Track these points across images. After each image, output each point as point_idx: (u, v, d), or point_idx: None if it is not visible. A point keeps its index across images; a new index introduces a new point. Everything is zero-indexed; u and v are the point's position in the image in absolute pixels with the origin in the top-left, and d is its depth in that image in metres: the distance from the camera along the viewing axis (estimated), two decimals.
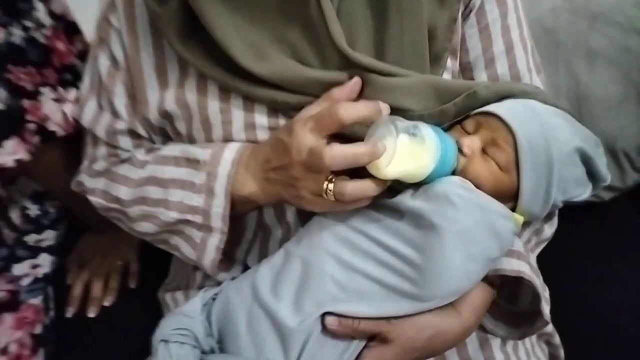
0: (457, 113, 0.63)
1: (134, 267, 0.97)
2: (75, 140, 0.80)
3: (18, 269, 0.90)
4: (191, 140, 0.67)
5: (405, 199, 0.60)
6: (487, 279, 0.64)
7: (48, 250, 0.95)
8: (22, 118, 0.74)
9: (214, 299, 0.67)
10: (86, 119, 0.73)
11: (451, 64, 0.68)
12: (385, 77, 0.60)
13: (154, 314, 0.80)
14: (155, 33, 0.66)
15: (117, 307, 0.93)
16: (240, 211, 0.66)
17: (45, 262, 0.93)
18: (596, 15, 1.11)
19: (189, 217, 0.64)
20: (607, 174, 0.66)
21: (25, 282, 0.89)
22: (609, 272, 1.02)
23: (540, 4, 1.18)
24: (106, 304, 0.92)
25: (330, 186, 0.56)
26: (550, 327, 0.72)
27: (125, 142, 0.72)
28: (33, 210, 0.95)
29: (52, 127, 0.76)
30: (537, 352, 0.75)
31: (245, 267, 0.73)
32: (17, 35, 0.71)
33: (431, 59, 0.64)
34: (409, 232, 0.59)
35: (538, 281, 0.65)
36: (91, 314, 0.91)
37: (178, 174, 0.66)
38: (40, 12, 0.73)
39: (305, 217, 0.66)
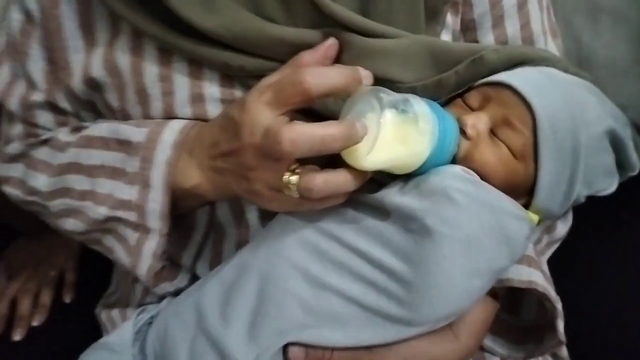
0: (458, 84, 0.56)
1: (69, 277, 0.89)
2: None
3: None
4: (125, 116, 0.60)
5: (392, 195, 0.51)
6: (491, 290, 0.56)
7: None
8: None
9: (150, 323, 0.59)
10: None
11: (452, 21, 0.61)
12: (368, 38, 0.53)
13: (92, 335, 0.72)
14: None
15: (49, 327, 0.85)
16: (184, 207, 0.59)
17: None
18: None
19: (121, 213, 0.57)
20: (637, 161, 0.59)
21: None
22: (610, 268, 0.95)
23: None
24: (35, 323, 0.84)
25: (293, 179, 0.48)
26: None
27: (44, 118, 0.64)
28: None
29: None
30: None
31: (194, 277, 0.65)
32: None
33: (427, 14, 0.57)
34: (397, 238, 0.50)
35: (553, 292, 0.57)
36: (17, 336, 0.82)
37: (107, 160, 0.59)
38: None
39: (270, 214, 0.59)
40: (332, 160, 0.49)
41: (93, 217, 0.58)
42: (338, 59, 0.53)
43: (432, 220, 0.47)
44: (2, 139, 0.67)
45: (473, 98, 0.55)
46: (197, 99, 0.57)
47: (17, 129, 0.65)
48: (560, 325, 0.58)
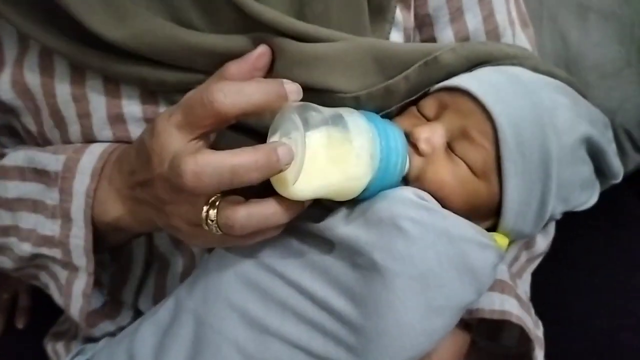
0: (410, 90, 0.52)
1: (23, 301, 0.85)
2: None
3: None
4: (45, 141, 0.57)
5: (337, 224, 0.47)
6: (462, 322, 0.53)
7: None
8: None
9: None
10: None
11: (402, 17, 0.57)
12: (304, 43, 0.49)
13: None
14: None
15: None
16: (113, 241, 0.56)
17: None
18: None
19: (45, 251, 0.54)
20: (619, 167, 0.56)
21: None
22: (604, 273, 0.92)
23: None
24: None
25: (212, 213, 0.43)
26: None
27: None
28: None
29: None
30: None
31: (138, 313, 0.62)
32: None
33: (372, 9, 0.53)
34: (344, 275, 0.46)
35: (530, 320, 0.55)
36: None
37: (26, 192, 0.56)
38: None
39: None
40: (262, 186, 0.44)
41: (19, 255, 0.55)
42: (271, 69, 0.49)
43: (380, 255, 0.43)
44: None
45: (428, 106, 0.51)
46: (117, 119, 0.54)
47: None
48: (540, 354, 0.55)
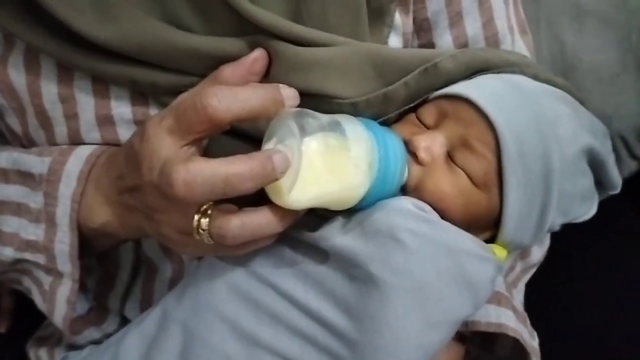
0: (409, 97, 0.51)
1: (5, 303, 0.81)
2: None
3: None
4: (30, 142, 0.57)
5: (332, 234, 0.46)
6: (457, 333, 0.53)
7: None
8: None
9: None
10: None
11: (402, 21, 0.56)
12: (302, 47, 0.48)
13: None
14: None
15: None
16: (99, 247, 0.55)
17: None
18: None
19: (28, 256, 0.53)
20: (618, 179, 0.56)
21: None
22: (598, 280, 0.92)
23: None
24: None
25: (204, 222, 0.42)
26: None
27: None
28: None
29: None
30: None
31: (124, 321, 0.61)
32: None
33: (371, 13, 0.53)
34: (339, 287, 0.45)
35: (526, 331, 0.55)
36: None
37: (9, 194, 0.55)
38: None
39: None
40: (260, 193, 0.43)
41: (0, 259, 0.54)
42: (267, 73, 0.48)
43: (378, 267, 0.42)
44: None
45: (428, 113, 0.50)
46: (105, 121, 0.53)
47: None
48: None
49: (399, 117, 0.53)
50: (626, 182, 0.99)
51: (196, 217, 0.42)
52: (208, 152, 0.45)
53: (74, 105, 0.53)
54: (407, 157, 0.47)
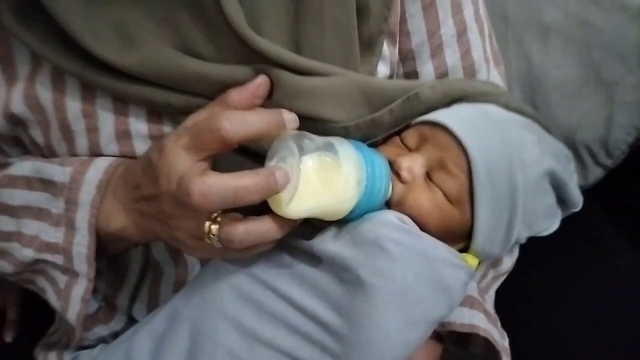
0: (394, 122, 0.55)
1: (12, 314, 0.86)
2: None
3: None
4: (51, 152, 0.59)
5: (326, 241, 0.50)
6: (435, 333, 0.57)
7: None
8: None
9: None
10: None
11: (389, 51, 0.60)
12: (300, 76, 0.52)
13: None
14: None
15: None
16: (114, 250, 0.58)
17: None
18: None
19: (47, 256, 0.56)
20: (579, 198, 0.59)
21: None
22: (568, 282, 0.96)
23: None
24: None
25: (214, 228, 0.46)
26: None
27: None
28: None
29: None
30: None
31: (131, 320, 0.64)
32: None
33: (362, 44, 0.57)
34: (331, 289, 0.49)
35: (497, 332, 0.58)
36: None
37: (31, 200, 0.57)
38: None
39: None
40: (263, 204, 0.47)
41: (20, 260, 0.57)
42: (269, 97, 0.52)
43: (365, 272, 0.46)
44: None
45: (410, 137, 0.54)
46: (123, 135, 0.56)
47: None
48: None
49: (385, 140, 0.56)
50: (592, 187, 1.05)
51: (207, 223, 0.46)
52: (218, 166, 0.49)
53: (95, 120, 0.56)
54: (391, 176, 0.50)
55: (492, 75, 0.65)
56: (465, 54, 0.62)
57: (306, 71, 0.52)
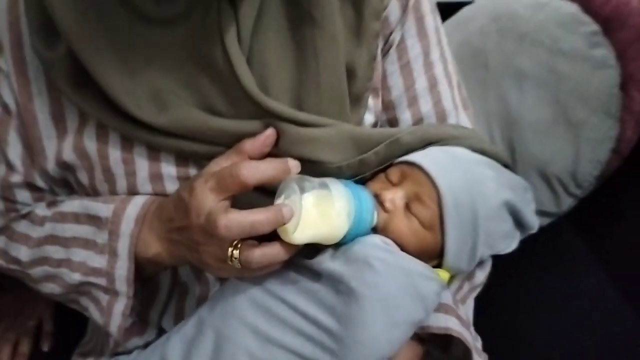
0: (379, 162, 0.62)
1: (47, 326, 0.91)
2: None
3: None
4: (94, 191, 0.64)
5: (324, 260, 0.57)
6: (416, 336, 0.63)
7: None
8: None
9: None
10: None
11: (373, 103, 0.66)
12: (301, 127, 0.58)
13: None
14: (49, 76, 0.61)
15: None
16: (149, 272, 0.63)
17: None
18: (523, 36, 1.12)
19: (93, 279, 0.61)
20: (535, 222, 0.65)
21: None
22: (544, 296, 1.05)
23: (468, 25, 1.20)
24: None
25: (235, 253, 0.53)
26: None
27: (23, 196, 0.67)
28: None
29: None
30: None
31: (161, 330, 0.69)
32: None
33: (351, 99, 0.62)
34: (329, 298, 0.56)
35: (468, 334, 0.64)
36: None
37: (79, 232, 0.62)
38: None
39: None
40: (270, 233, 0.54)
41: (69, 282, 0.62)
42: (276, 145, 0.58)
43: (356, 283, 0.53)
44: None
45: (393, 174, 0.61)
46: (156, 177, 0.61)
47: None
48: (477, 358, 0.64)
49: (372, 176, 0.62)
50: (566, 215, 1.10)
51: (230, 249, 0.53)
52: (237, 200, 0.55)
53: (133, 165, 0.61)
54: (376, 206, 0.58)
55: (461, 118, 0.70)
56: (437, 103, 0.68)
57: (306, 123, 0.58)
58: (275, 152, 0.58)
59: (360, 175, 0.61)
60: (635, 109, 1.06)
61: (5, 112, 0.64)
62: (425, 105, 0.68)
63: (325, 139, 0.59)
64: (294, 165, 0.55)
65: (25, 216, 0.68)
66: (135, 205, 0.60)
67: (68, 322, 0.88)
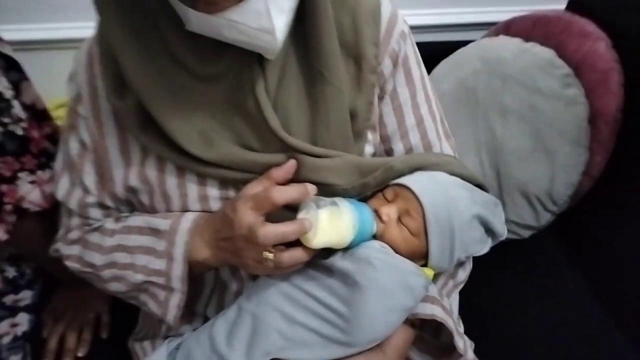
0: (377, 185, 0.71)
1: (105, 318, 1.00)
2: (52, 211, 0.85)
3: None
4: (153, 210, 0.73)
5: (336, 260, 0.68)
6: (408, 321, 0.73)
7: (26, 309, 0.97)
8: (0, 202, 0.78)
9: (177, 349, 0.74)
10: (60, 194, 0.78)
11: (372, 137, 0.75)
12: (316, 158, 0.67)
13: None
14: (118, 119, 0.71)
15: (91, 357, 0.94)
16: (197, 272, 0.73)
17: (23, 321, 0.95)
18: (507, 77, 1.20)
19: (153, 279, 0.70)
20: (503, 231, 0.74)
21: (6, 340, 0.91)
22: (528, 299, 1.13)
23: (463, 68, 1.28)
24: (80, 354, 0.94)
25: (270, 255, 0.63)
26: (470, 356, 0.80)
27: (95, 213, 0.77)
28: (10, 272, 0.96)
29: (27, 205, 0.81)
30: None
31: (205, 318, 0.79)
32: None
33: (355, 135, 0.72)
34: (339, 289, 0.67)
35: (450, 320, 0.73)
36: None
37: (143, 242, 0.71)
38: (16, 108, 0.78)
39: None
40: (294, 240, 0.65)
41: (132, 282, 0.72)
42: (297, 172, 0.67)
43: (360, 277, 0.64)
44: (63, 228, 0.81)
45: (388, 193, 0.71)
46: (203, 198, 0.70)
47: (75, 221, 0.79)
48: (460, 342, 0.73)
49: (372, 195, 0.72)
50: (546, 228, 1.20)
51: (265, 253, 0.63)
52: (269, 217, 0.63)
53: (185, 189, 0.69)
54: (375, 219, 0.68)
55: (444, 147, 0.80)
56: (423, 136, 0.77)
57: (320, 155, 0.67)
58: (296, 177, 0.67)
59: (363, 194, 0.71)
60: (603, 139, 1.16)
61: (82, 148, 0.74)
62: (414, 138, 0.77)
63: (335, 167, 0.68)
64: (311, 188, 0.65)
65: (96, 229, 0.77)
66: (188, 219, 0.70)
67: (121, 315, 0.98)
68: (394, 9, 0.75)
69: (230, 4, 0.56)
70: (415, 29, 0.79)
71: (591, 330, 1.07)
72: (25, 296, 0.98)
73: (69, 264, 0.78)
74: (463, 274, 0.82)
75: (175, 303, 0.70)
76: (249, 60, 0.65)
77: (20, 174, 0.80)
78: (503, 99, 1.20)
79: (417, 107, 0.77)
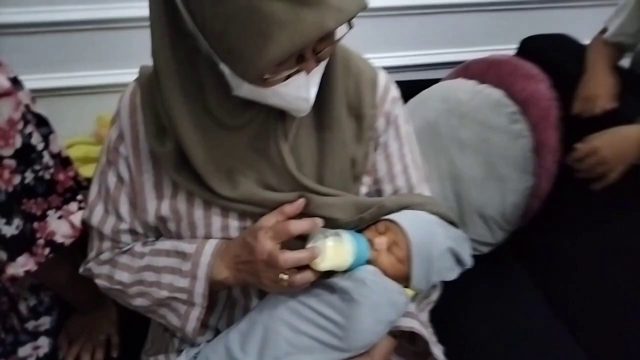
0: (371, 219, 0.81)
1: (115, 339, 1.07)
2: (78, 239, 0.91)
3: (22, 351, 0.98)
4: (179, 235, 0.81)
5: (337, 280, 0.78)
6: (391, 332, 0.83)
7: (46, 333, 1.03)
8: (32, 237, 0.85)
9: (195, 358, 0.84)
10: (94, 220, 0.85)
11: (367, 179, 0.86)
12: (322, 196, 0.77)
13: None
14: (155, 159, 0.78)
15: None
16: (216, 290, 0.81)
17: (44, 344, 1.01)
18: (464, 114, 1.32)
19: (177, 295, 0.78)
20: (469, 260, 0.85)
21: None
22: (491, 309, 1.23)
23: (427, 106, 1.39)
24: None
25: (285, 277, 0.72)
26: None
27: (126, 238, 0.84)
28: (31, 300, 1.02)
29: (60, 239, 0.89)
30: None
31: (217, 331, 0.87)
32: (29, 177, 0.84)
33: (354, 178, 0.82)
34: (338, 303, 0.77)
35: (426, 332, 0.84)
36: None
37: (169, 263, 0.79)
38: (46, 157, 0.87)
39: (264, 293, 0.83)
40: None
41: (156, 297, 0.79)
42: (306, 207, 0.76)
43: (356, 294, 0.75)
44: (95, 250, 0.87)
45: (380, 227, 0.81)
46: (225, 228, 0.79)
47: (107, 244, 0.85)
48: (434, 349, 0.84)
49: (366, 228, 0.81)
50: (503, 244, 1.30)
51: (281, 275, 0.71)
52: (283, 244, 0.71)
53: (210, 220, 0.77)
54: (370, 248, 0.79)
55: (424, 189, 0.90)
56: (408, 179, 0.88)
57: (325, 194, 0.76)
58: (305, 212, 0.76)
59: (359, 227, 0.81)
60: (547, 166, 1.28)
61: (120, 182, 0.82)
62: (400, 182, 0.88)
63: (338, 204, 0.77)
64: (319, 222, 0.75)
65: (126, 252, 0.84)
66: (211, 245, 0.78)
67: (129, 336, 1.05)
68: (388, 78, 0.89)
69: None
70: (387, 69, 0.88)
71: (544, 335, 1.18)
72: (45, 321, 1.03)
73: (98, 281, 0.85)
74: (435, 295, 0.94)
75: (195, 316, 0.78)
76: (274, 112, 0.74)
77: (48, 212, 0.88)
78: (460, 134, 1.29)
79: (403, 157, 0.88)
